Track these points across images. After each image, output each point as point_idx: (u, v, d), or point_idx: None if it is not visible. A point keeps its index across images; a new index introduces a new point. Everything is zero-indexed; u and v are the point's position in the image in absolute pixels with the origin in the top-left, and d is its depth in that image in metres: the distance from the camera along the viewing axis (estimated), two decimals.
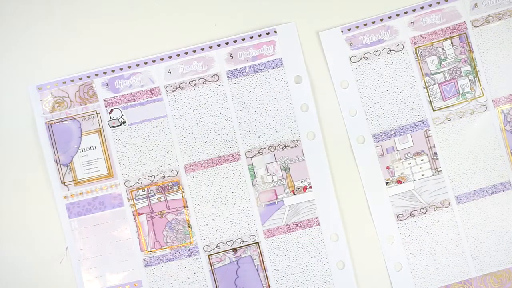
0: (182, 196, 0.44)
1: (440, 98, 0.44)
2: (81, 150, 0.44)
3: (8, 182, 0.44)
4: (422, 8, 0.44)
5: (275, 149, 0.44)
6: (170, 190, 0.44)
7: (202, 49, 0.44)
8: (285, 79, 0.44)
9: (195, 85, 0.44)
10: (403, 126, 0.45)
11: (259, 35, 0.44)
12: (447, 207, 0.45)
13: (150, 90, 0.44)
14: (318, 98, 0.44)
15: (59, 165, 0.44)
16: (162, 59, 0.44)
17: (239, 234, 0.44)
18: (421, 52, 0.44)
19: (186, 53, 0.44)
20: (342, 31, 0.44)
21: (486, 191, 0.45)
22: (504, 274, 0.45)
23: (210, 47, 0.44)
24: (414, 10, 0.44)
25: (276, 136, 0.44)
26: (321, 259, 0.44)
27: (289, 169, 0.44)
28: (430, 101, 0.44)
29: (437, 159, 0.44)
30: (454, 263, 0.44)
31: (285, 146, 0.44)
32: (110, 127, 0.44)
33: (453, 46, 0.44)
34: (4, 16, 0.44)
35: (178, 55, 0.44)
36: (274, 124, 0.44)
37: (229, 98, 0.44)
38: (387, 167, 0.45)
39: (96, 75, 0.44)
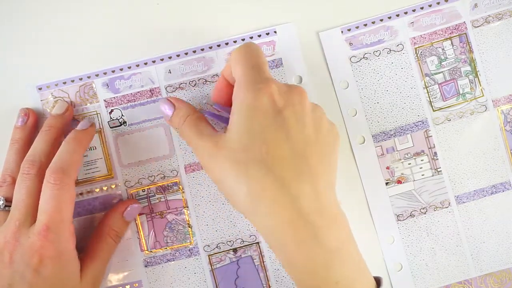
0: (182, 197, 0.44)
1: (440, 98, 0.44)
2: None
3: None
4: (422, 8, 0.44)
5: None
6: (170, 190, 0.44)
7: (202, 50, 0.44)
8: (285, 79, 0.44)
9: (195, 85, 0.44)
10: (403, 126, 0.45)
11: (259, 35, 0.44)
12: (447, 207, 0.45)
13: (150, 91, 0.44)
14: (318, 98, 0.44)
15: None
16: (162, 60, 0.44)
17: (239, 234, 0.44)
18: (421, 52, 0.44)
19: (186, 54, 0.44)
20: (342, 31, 0.44)
21: (486, 191, 0.45)
22: (504, 274, 0.45)
23: (210, 48, 0.44)
24: (414, 11, 0.44)
25: None
26: None
27: None
28: (430, 101, 0.44)
29: (437, 159, 0.44)
30: (454, 263, 0.45)
31: None
32: (110, 128, 0.44)
33: (453, 46, 0.44)
34: (3, 16, 0.44)
35: (178, 56, 0.44)
36: None
37: None
38: (387, 167, 0.45)
39: (97, 75, 0.44)
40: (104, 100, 0.44)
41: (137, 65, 0.44)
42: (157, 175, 0.44)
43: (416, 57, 0.44)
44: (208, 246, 0.44)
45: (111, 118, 0.44)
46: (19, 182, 0.39)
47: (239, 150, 0.33)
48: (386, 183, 0.45)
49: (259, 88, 0.34)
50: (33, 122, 0.43)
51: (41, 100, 0.44)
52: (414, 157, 0.45)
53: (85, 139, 0.41)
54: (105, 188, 0.44)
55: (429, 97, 0.44)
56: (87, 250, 0.41)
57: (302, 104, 0.35)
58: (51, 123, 0.42)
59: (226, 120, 0.37)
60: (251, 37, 0.44)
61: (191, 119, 0.37)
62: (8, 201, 0.40)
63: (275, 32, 0.44)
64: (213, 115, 0.38)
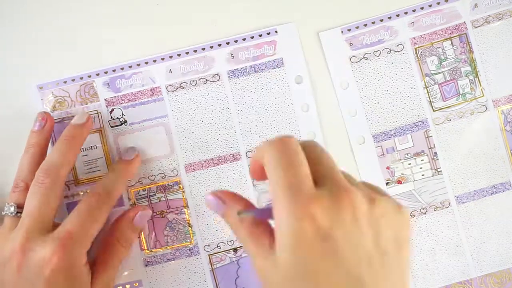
0: (183, 196, 0.44)
1: (440, 99, 0.45)
2: (82, 150, 0.44)
3: (9, 183, 0.44)
4: (422, 8, 0.44)
5: None
6: (171, 189, 0.44)
7: (203, 49, 0.44)
8: (286, 79, 0.44)
9: (196, 84, 0.44)
10: (403, 127, 0.45)
11: (260, 35, 0.44)
12: (447, 207, 0.45)
13: (151, 90, 0.44)
14: (319, 98, 0.45)
15: None
16: (163, 59, 0.44)
17: None
18: (421, 52, 0.44)
19: (187, 53, 0.44)
20: (342, 32, 0.44)
21: (486, 191, 0.45)
22: (504, 274, 0.45)
23: (211, 47, 0.44)
24: (414, 11, 0.44)
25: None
26: None
27: None
28: (430, 101, 0.45)
29: (437, 159, 0.45)
30: (454, 263, 0.45)
31: None
32: (111, 127, 0.44)
33: (453, 46, 0.44)
34: (3, 16, 0.44)
35: (179, 55, 0.44)
36: (274, 124, 0.44)
37: (230, 98, 0.44)
38: (387, 168, 0.45)
39: (97, 74, 0.44)
40: (105, 99, 0.44)
41: (138, 65, 0.44)
42: (157, 175, 0.44)
43: (416, 57, 0.44)
44: (209, 245, 0.44)
45: (111, 117, 0.44)
46: (32, 191, 0.38)
47: (289, 284, 0.29)
48: (386, 183, 0.45)
49: (300, 217, 0.28)
50: (50, 126, 0.42)
51: (42, 100, 0.44)
52: (414, 157, 0.45)
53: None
54: None
55: (429, 97, 0.44)
56: (97, 259, 0.40)
57: (354, 219, 0.29)
58: (73, 134, 0.41)
59: (268, 214, 0.32)
60: (252, 37, 0.44)
61: (248, 222, 0.32)
62: (20, 207, 0.39)
63: (276, 32, 0.44)
64: (258, 213, 0.34)
